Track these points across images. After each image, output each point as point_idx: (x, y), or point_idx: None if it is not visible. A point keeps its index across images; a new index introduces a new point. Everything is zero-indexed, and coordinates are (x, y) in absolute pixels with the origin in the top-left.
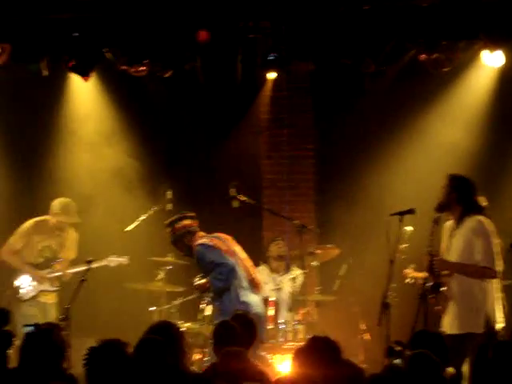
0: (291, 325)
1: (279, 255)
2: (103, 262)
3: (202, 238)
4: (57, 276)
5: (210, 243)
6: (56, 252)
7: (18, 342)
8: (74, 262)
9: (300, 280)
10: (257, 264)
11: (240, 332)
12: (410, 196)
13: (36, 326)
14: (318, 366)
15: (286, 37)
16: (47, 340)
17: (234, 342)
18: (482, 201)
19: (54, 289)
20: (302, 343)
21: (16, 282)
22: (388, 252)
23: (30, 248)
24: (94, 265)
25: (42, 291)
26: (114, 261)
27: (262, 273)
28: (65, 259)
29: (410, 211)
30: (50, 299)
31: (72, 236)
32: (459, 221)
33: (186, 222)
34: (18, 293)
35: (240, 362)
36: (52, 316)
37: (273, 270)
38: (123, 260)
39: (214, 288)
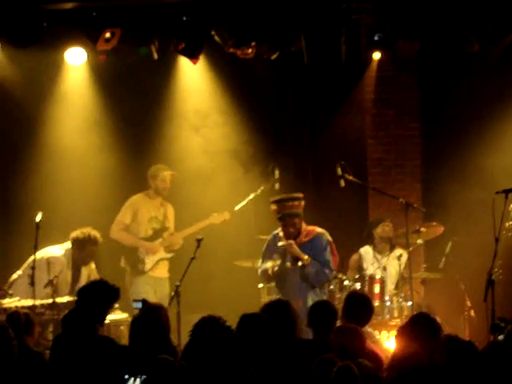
0: (397, 302)
1: (386, 236)
2: (208, 220)
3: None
4: (168, 244)
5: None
6: (162, 222)
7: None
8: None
9: (405, 258)
10: (362, 243)
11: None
12: None
13: (144, 301)
14: (421, 342)
15: (390, 16)
16: (154, 318)
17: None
18: None
19: (169, 255)
20: (406, 320)
21: (139, 254)
22: (494, 229)
23: (138, 222)
24: (200, 225)
25: (159, 260)
26: (216, 217)
27: (366, 253)
28: (170, 228)
29: None
30: (164, 273)
31: (171, 209)
32: None
33: (303, 204)
34: (140, 263)
35: (356, 339)
36: (165, 291)
37: (378, 251)
38: (225, 215)
39: (323, 279)
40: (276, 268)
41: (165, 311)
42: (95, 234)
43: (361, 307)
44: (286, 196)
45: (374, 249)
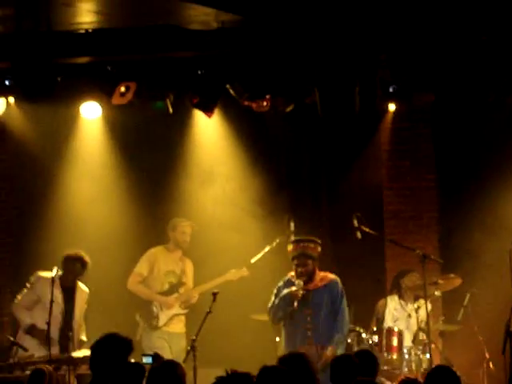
0: (415, 355)
1: (413, 286)
2: (225, 277)
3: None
4: (185, 300)
5: None
6: (180, 277)
7: None
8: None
9: (423, 311)
10: (381, 296)
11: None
12: None
13: (154, 356)
14: None
15: (405, 68)
16: (171, 373)
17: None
18: None
19: (184, 311)
20: (424, 373)
21: (153, 308)
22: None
23: (154, 275)
24: (218, 281)
25: (174, 315)
26: (234, 273)
27: (391, 301)
28: (187, 284)
29: None
30: (180, 328)
31: (189, 264)
32: None
33: (319, 249)
34: (154, 319)
35: None
36: (181, 346)
37: (404, 300)
38: (243, 271)
39: (345, 331)
40: (301, 292)
41: (181, 367)
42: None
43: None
44: (303, 237)
45: (400, 298)
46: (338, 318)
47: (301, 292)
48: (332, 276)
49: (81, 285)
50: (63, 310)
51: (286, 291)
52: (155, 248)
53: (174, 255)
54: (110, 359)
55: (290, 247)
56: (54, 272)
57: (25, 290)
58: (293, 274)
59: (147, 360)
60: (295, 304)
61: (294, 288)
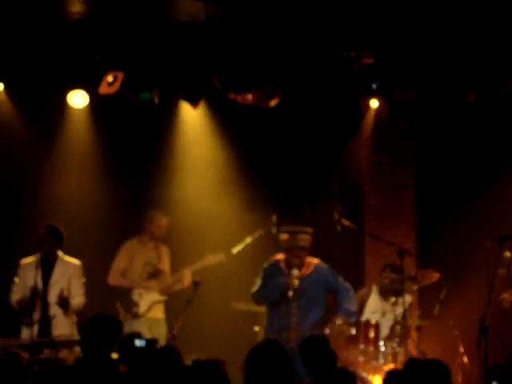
0: (391, 347)
1: (394, 281)
2: (203, 262)
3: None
4: (163, 287)
5: None
6: (156, 265)
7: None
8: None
9: (401, 303)
10: (358, 286)
11: None
12: None
13: (149, 341)
14: None
15: (388, 66)
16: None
17: None
18: None
19: (164, 298)
20: (400, 365)
21: (133, 297)
22: (487, 276)
23: (132, 268)
24: (195, 266)
25: (153, 302)
26: (211, 259)
27: (373, 294)
28: (165, 271)
29: (510, 237)
30: (160, 315)
31: (165, 249)
32: None
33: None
34: (135, 307)
35: None
36: (161, 332)
37: (382, 294)
38: (220, 256)
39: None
40: (297, 281)
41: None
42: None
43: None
44: (300, 228)
45: (381, 291)
46: (341, 294)
47: (297, 281)
48: (315, 260)
49: (66, 258)
50: (41, 289)
51: (280, 279)
52: (130, 241)
53: (148, 245)
54: (100, 339)
55: (284, 237)
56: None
57: (16, 281)
58: (278, 258)
59: (141, 343)
60: (290, 294)
61: (293, 276)
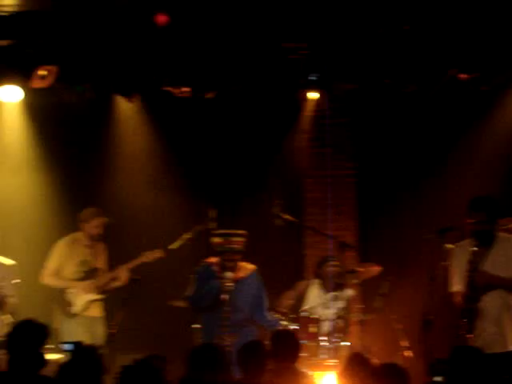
0: (333, 342)
1: (333, 274)
2: (140, 259)
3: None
4: (100, 285)
5: None
6: (92, 264)
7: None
8: None
9: (343, 298)
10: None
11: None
12: (454, 213)
13: (76, 344)
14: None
15: (326, 57)
16: (90, 359)
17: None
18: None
19: (101, 296)
20: (342, 360)
21: (68, 297)
22: (429, 269)
23: (67, 267)
24: (132, 264)
25: (89, 301)
26: (148, 256)
27: (313, 289)
28: (101, 269)
29: (450, 229)
30: (98, 313)
31: (101, 246)
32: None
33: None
34: (69, 306)
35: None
36: (99, 331)
37: (324, 288)
38: (157, 252)
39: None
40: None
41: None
42: None
43: (288, 344)
44: (232, 231)
45: (321, 285)
46: (263, 307)
47: (232, 284)
48: (250, 266)
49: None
50: None
51: (214, 283)
52: (64, 240)
53: (84, 243)
54: (26, 344)
55: (217, 240)
56: None
57: None
58: (212, 260)
59: (68, 347)
60: (225, 296)
61: (226, 278)
